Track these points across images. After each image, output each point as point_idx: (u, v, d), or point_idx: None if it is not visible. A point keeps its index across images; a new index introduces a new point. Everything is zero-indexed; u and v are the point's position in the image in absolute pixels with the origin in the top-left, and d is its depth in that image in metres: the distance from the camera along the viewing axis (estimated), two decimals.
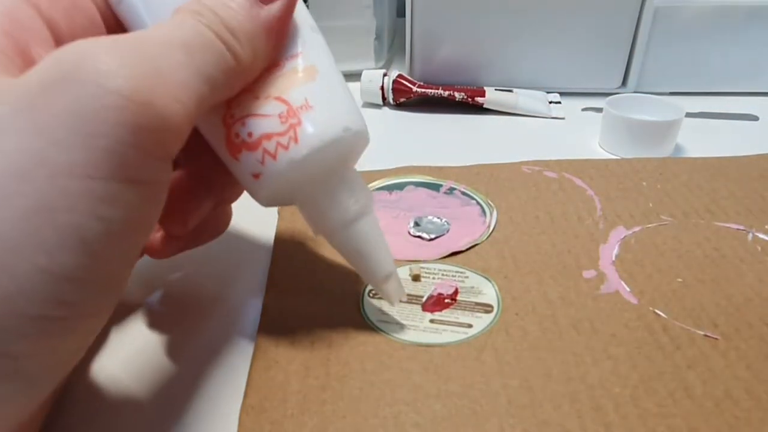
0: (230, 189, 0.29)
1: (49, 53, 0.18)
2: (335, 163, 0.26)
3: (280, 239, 0.36)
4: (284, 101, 0.24)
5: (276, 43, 0.24)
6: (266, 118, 0.24)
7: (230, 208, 0.32)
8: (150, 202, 0.20)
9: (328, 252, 0.31)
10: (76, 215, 0.17)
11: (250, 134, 0.24)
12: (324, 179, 0.26)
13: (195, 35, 0.21)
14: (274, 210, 0.39)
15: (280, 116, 0.24)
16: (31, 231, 0.16)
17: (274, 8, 0.23)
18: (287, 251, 0.35)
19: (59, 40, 0.22)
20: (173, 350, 0.29)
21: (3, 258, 0.16)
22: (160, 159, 0.19)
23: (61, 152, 0.17)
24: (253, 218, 0.38)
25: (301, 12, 0.26)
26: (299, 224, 0.37)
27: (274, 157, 0.24)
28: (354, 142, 0.26)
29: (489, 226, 0.37)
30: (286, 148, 0.24)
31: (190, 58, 0.20)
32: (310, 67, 0.25)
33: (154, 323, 0.31)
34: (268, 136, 0.24)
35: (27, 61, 0.20)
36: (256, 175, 0.24)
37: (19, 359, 0.17)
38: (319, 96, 0.25)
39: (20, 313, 0.17)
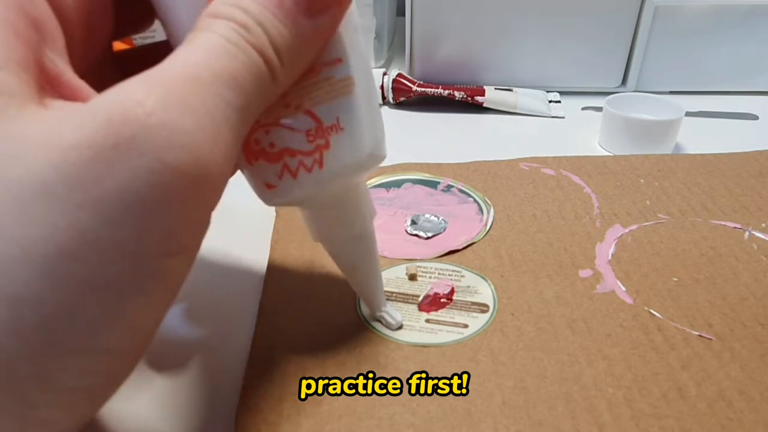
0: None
1: (91, 98, 0.17)
2: (351, 182, 0.25)
3: (277, 239, 0.36)
4: (314, 117, 0.22)
5: (317, 53, 0.22)
6: (293, 132, 0.22)
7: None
8: (190, 264, 0.19)
9: (325, 253, 0.31)
10: (121, 293, 0.16)
11: (272, 145, 0.23)
12: (336, 195, 0.25)
13: (242, 64, 0.18)
14: (272, 210, 0.39)
15: (308, 133, 0.22)
16: (75, 312, 0.16)
17: (321, 22, 0.20)
18: (285, 251, 0.35)
19: (65, 24, 0.20)
20: (169, 350, 0.29)
21: (49, 339, 0.16)
22: (206, 222, 0.19)
23: (111, 231, 0.16)
24: (250, 218, 0.39)
25: (349, 8, 0.23)
26: (297, 224, 0.37)
27: (294, 175, 0.23)
28: (375, 163, 0.25)
29: (486, 225, 0.37)
30: (309, 170, 0.23)
31: (237, 95, 0.18)
32: (347, 79, 0.23)
33: None
34: (292, 153, 0.23)
35: (39, 71, 0.18)
36: (270, 186, 0.23)
37: (53, 425, 0.17)
38: (351, 115, 0.23)
39: (58, 387, 0.16)
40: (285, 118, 0.22)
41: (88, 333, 0.16)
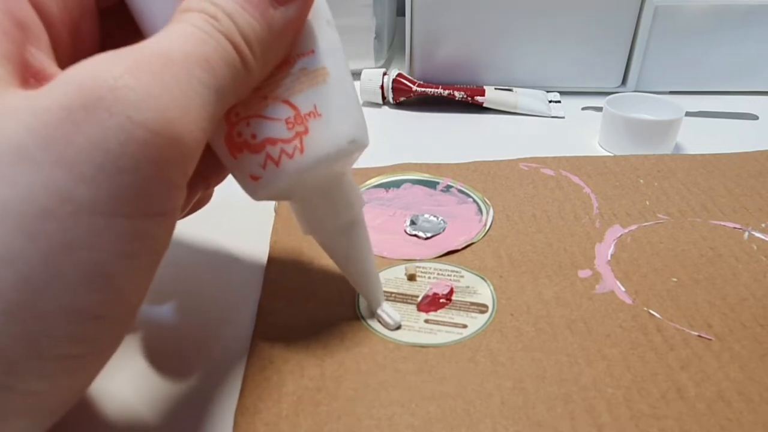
0: (218, 175, 0.29)
1: (62, 71, 0.17)
2: (335, 171, 0.26)
3: (276, 239, 0.36)
4: (292, 105, 0.23)
5: (289, 44, 0.23)
6: (272, 121, 0.23)
7: (213, 189, 0.31)
8: (169, 230, 0.19)
9: (324, 253, 0.32)
10: (100, 253, 0.17)
11: (253, 136, 0.23)
12: (321, 185, 0.26)
13: (214, 48, 0.19)
14: (271, 209, 0.39)
15: (287, 121, 0.23)
16: (55, 271, 0.16)
17: (290, 11, 0.22)
18: (283, 251, 0.35)
19: (50, 28, 0.21)
20: (168, 351, 0.29)
21: (27, 299, 0.16)
22: (180, 187, 0.19)
23: (86, 189, 0.16)
24: (249, 218, 0.39)
25: (318, 3, 0.24)
26: (296, 224, 0.37)
27: (277, 163, 0.23)
28: (356, 151, 0.26)
29: (485, 225, 0.37)
30: (291, 156, 0.23)
31: (209, 75, 0.19)
32: (321, 69, 0.24)
33: (148, 323, 0.31)
34: (273, 141, 0.23)
35: (23, 64, 0.19)
36: (255, 177, 0.24)
37: (39, 397, 0.17)
38: (327, 102, 0.24)
39: (44, 353, 0.17)
40: (264, 109, 0.23)
41: (70, 294, 0.16)
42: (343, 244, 0.28)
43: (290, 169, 0.24)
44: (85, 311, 0.17)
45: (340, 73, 0.25)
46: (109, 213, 0.17)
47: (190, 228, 0.37)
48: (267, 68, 0.22)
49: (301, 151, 0.24)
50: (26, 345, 0.16)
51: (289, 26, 0.22)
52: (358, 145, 0.25)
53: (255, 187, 0.24)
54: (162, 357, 0.29)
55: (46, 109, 0.16)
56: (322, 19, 0.25)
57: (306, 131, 0.24)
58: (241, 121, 0.23)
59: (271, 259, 0.35)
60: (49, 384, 0.17)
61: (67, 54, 0.22)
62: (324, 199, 0.26)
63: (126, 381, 0.27)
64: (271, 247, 0.36)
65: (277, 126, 0.23)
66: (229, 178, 0.27)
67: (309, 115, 0.24)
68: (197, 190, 0.28)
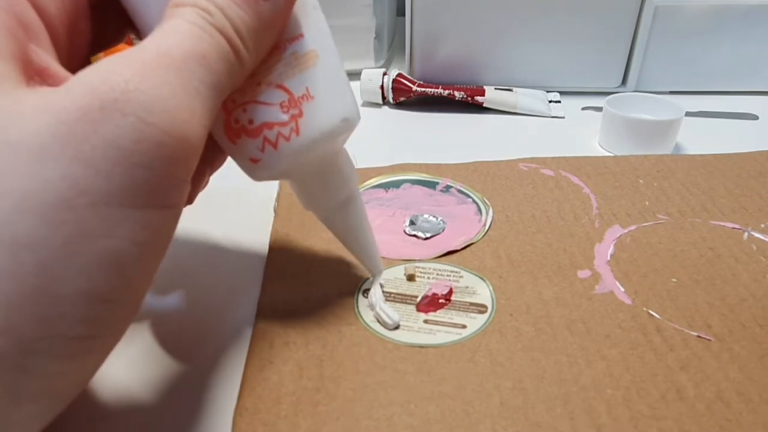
0: (219, 160, 0.30)
1: (70, 73, 0.19)
2: (330, 149, 0.27)
3: (275, 239, 0.36)
4: (285, 89, 0.24)
5: (279, 33, 0.24)
6: (268, 106, 0.24)
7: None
8: (175, 220, 0.21)
9: (324, 252, 0.32)
10: (114, 241, 0.18)
11: (250, 121, 0.24)
12: (318, 164, 0.27)
13: (209, 44, 0.20)
14: (270, 208, 0.39)
15: (281, 105, 0.24)
16: (72, 257, 0.17)
17: (279, 2, 0.22)
18: (282, 251, 0.35)
19: (49, 27, 0.21)
20: (166, 351, 0.29)
21: (47, 283, 0.17)
22: (186, 181, 0.20)
23: (102, 181, 0.17)
24: (248, 217, 0.39)
25: None
26: (295, 223, 0.37)
27: (274, 146, 0.24)
28: (349, 129, 0.27)
29: (485, 225, 0.37)
30: (288, 138, 0.24)
31: (207, 72, 0.20)
32: (311, 52, 0.25)
33: (147, 323, 0.31)
34: (270, 125, 0.24)
35: (27, 63, 0.20)
36: (255, 160, 0.25)
37: (51, 379, 0.18)
38: (319, 84, 0.25)
39: (58, 334, 0.17)
40: (259, 94, 0.24)
41: (85, 278, 0.17)
42: (341, 219, 0.29)
43: (288, 151, 0.25)
44: (99, 295, 0.18)
45: (328, 54, 0.26)
46: (122, 204, 0.18)
47: (190, 226, 0.37)
48: (258, 58, 0.23)
49: (297, 132, 0.25)
50: (42, 326, 0.17)
51: (278, 16, 0.23)
52: (350, 122, 0.26)
53: (254, 169, 0.25)
54: (160, 358, 0.29)
55: (64, 109, 0.17)
56: (308, 3, 0.25)
57: (300, 114, 0.25)
58: (238, 107, 0.24)
59: (270, 258, 0.35)
60: (60, 365, 0.18)
61: (64, 50, 0.22)
62: (321, 178, 0.28)
63: (123, 381, 0.27)
64: (270, 246, 0.36)
65: (272, 110, 0.24)
66: (227, 172, 0.27)
67: (302, 98, 0.25)
68: (202, 178, 0.29)
